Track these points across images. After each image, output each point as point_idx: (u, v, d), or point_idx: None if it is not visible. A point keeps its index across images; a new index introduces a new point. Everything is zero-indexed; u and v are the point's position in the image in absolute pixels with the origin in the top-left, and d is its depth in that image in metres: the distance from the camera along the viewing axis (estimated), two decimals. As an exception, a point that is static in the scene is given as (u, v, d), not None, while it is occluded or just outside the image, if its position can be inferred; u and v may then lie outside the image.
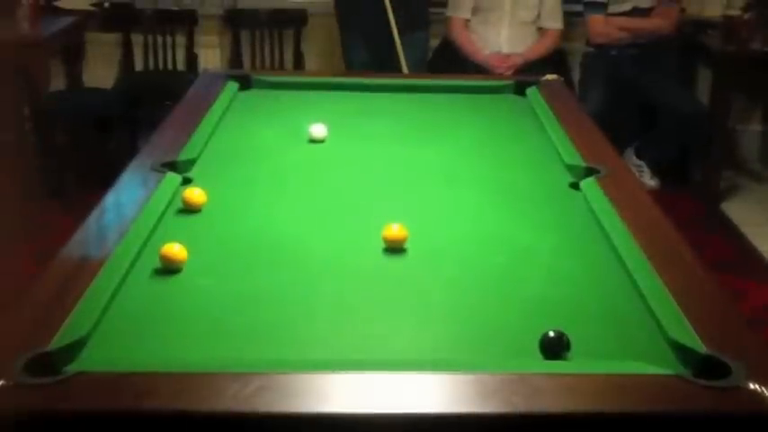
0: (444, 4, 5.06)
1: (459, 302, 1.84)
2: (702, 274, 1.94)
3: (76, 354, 1.56)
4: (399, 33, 4.61)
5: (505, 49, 5.01)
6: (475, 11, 5.01)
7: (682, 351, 1.59)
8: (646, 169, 5.08)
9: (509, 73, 4.81)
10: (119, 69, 5.51)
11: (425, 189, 2.49)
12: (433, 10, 5.07)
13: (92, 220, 2.14)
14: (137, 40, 5.47)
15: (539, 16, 5.09)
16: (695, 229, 4.18)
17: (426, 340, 1.71)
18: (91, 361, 1.55)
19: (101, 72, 5.49)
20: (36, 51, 4.67)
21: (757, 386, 1.47)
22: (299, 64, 5.52)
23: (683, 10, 5.21)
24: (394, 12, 4.60)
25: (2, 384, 1.45)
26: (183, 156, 2.55)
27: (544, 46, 5.09)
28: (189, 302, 1.81)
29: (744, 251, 4.48)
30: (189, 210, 2.25)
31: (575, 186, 2.45)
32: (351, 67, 4.91)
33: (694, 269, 1.96)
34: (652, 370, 1.54)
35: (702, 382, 1.49)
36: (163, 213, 2.19)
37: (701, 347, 1.58)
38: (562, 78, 3.62)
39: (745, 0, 5.23)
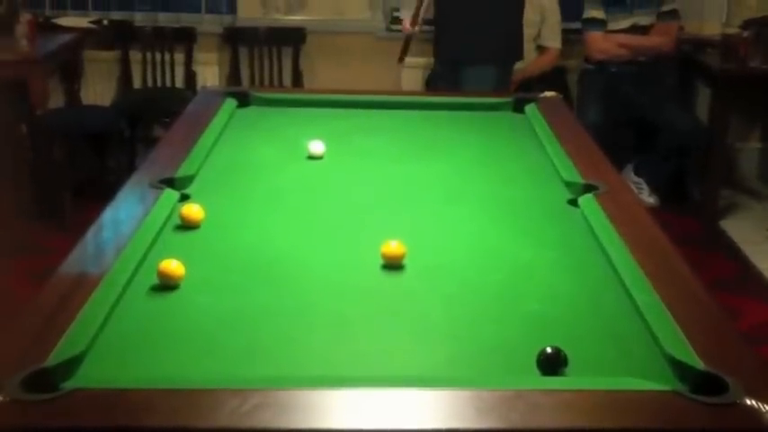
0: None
1: (457, 319, 1.84)
2: (701, 290, 1.94)
3: (74, 370, 1.56)
4: (476, 63, 4.44)
5: (504, 66, 5.02)
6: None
7: (679, 367, 1.59)
8: (644, 186, 5.08)
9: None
10: (117, 87, 5.53)
11: (424, 206, 2.49)
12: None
13: (90, 236, 2.15)
14: (135, 57, 5.49)
15: (539, 34, 5.11)
16: (694, 246, 4.19)
17: (424, 356, 1.71)
18: (88, 377, 1.55)
19: (99, 89, 5.51)
20: (34, 69, 4.68)
21: (754, 402, 1.47)
22: (297, 81, 5.53)
23: (681, 28, 5.23)
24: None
25: (-1, 401, 1.44)
26: (182, 172, 2.55)
27: (543, 63, 5.12)
28: (186, 319, 1.81)
29: (742, 269, 4.48)
30: (187, 226, 2.24)
31: (573, 203, 2.45)
32: None
33: (692, 286, 1.96)
34: (650, 386, 1.53)
35: (700, 398, 1.48)
36: (161, 230, 2.19)
37: (698, 364, 1.58)
38: (561, 95, 3.63)
39: (743, 18, 5.25)
